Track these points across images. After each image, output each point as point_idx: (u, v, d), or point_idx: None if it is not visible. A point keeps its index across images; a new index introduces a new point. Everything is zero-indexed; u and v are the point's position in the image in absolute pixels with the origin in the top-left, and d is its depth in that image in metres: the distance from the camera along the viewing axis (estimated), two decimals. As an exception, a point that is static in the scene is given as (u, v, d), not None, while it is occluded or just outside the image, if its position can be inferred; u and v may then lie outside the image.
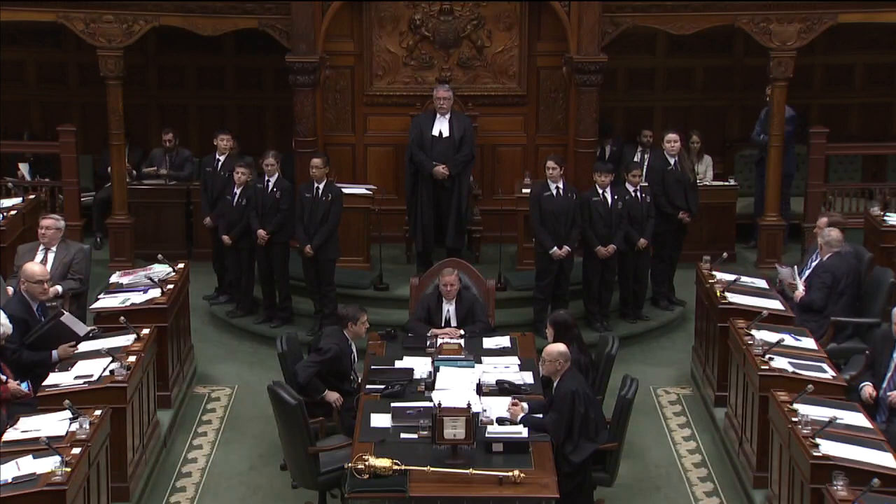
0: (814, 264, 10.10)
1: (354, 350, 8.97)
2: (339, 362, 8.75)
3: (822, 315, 9.79)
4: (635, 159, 12.99)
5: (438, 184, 11.42)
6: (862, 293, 10.00)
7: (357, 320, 8.83)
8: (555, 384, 7.97)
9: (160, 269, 10.34)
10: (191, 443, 9.46)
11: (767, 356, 8.38)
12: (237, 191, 11.44)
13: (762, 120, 13.11)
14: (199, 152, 13.61)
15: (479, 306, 9.72)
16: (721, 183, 13.20)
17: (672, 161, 11.73)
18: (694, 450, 9.39)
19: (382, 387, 8.26)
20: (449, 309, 9.57)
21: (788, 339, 8.83)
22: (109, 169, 12.88)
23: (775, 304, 9.64)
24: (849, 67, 14.95)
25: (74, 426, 7.19)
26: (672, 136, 11.80)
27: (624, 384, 8.02)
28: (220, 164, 11.91)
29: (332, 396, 8.62)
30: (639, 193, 11.35)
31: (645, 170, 12.02)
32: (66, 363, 8.38)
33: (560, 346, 8.02)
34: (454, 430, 7.13)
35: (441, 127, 11.46)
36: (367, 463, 6.98)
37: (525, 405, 7.92)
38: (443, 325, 9.52)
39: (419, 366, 8.62)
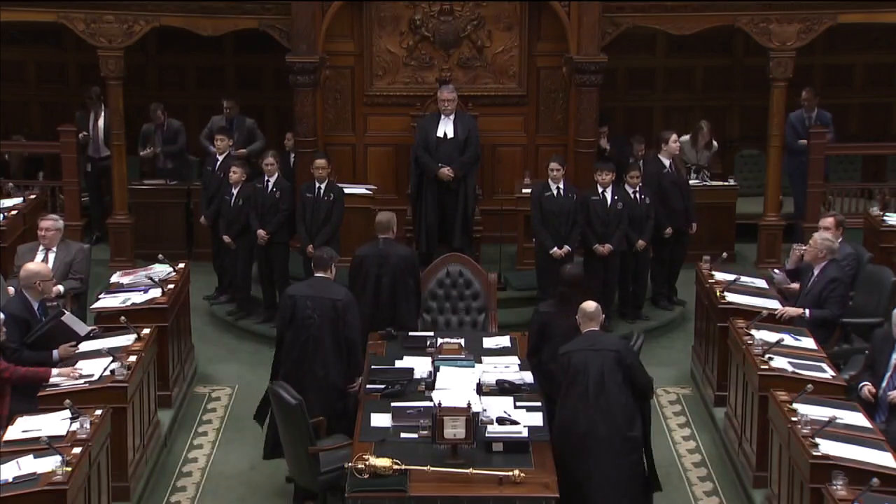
0: (812, 281, 9.54)
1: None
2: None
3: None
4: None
5: (444, 185, 11.39)
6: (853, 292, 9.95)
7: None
8: None
9: (160, 269, 10.34)
10: (191, 442, 9.47)
11: (767, 356, 8.37)
12: (234, 190, 11.45)
13: (792, 124, 13.08)
14: (199, 152, 13.62)
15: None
16: (721, 183, 13.20)
17: (667, 163, 11.72)
18: (694, 450, 9.39)
19: (382, 387, 8.25)
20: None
21: (788, 339, 8.82)
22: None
23: (775, 304, 9.63)
24: (849, 67, 14.97)
25: (75, 426, 7.19)
26: (673, 135, 11.79)
27: None
28: (218, 164, 11.93)
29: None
30: (638, 195, 11.34)
31: None
32: (67, 363, 8.38)
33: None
34: (454, 429, 7.12)
35: (445, 128, 11.42)
36: (367, 463, 6.97)
37: None
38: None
39: (419, 366, 8.60)
